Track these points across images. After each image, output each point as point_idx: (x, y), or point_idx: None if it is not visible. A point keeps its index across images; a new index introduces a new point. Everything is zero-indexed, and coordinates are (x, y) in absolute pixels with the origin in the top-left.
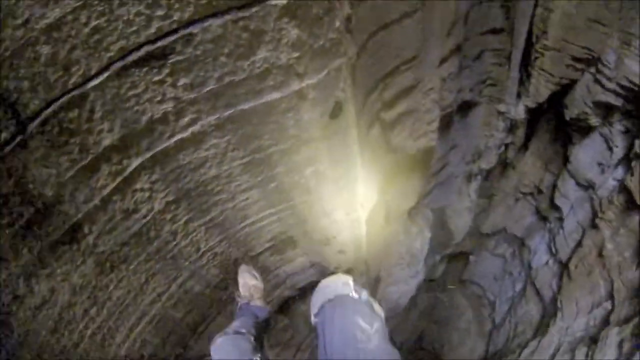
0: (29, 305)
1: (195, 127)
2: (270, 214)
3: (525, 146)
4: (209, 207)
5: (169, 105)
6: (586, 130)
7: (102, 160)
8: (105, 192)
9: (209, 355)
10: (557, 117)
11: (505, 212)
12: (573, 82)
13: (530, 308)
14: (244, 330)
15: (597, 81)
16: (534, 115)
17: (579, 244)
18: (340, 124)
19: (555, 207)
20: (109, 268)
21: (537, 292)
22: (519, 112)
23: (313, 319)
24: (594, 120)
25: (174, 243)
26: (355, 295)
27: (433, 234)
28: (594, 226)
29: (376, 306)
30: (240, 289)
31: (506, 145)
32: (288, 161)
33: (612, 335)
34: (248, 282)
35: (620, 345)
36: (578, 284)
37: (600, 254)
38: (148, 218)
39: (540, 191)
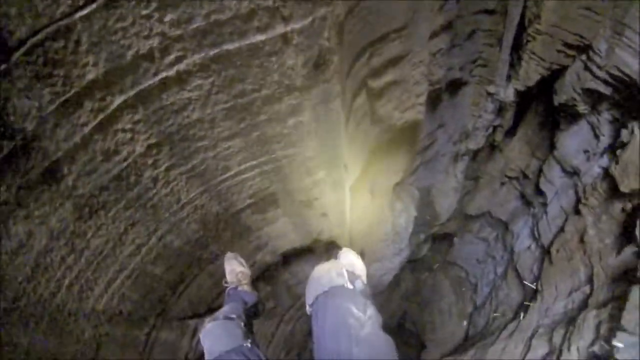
0: (5, 248)
1: (180, 66)
2: (252, 166)
3: (513, 131)
4: (191, 154)
5: (155, 41)
6: (574, 117)
7: (85, 96)
8: (87, 129)
9: (189, 316)
10: (545, 102)
11: (490, 195)
12: (563, 68)
13: (511, 291)
14: (234, 316)
15: (587, 68)
16: (523, 99)
17: (561, 230)
18: (325, 76)
19: (540, 193)
20: (88, 213)
21: (519, 276)
22: (508, 94)
23: (308, 309)
24: (582, 108)
25: (154, 191)
26: (350, 286)
27: (418, 213)
28: (577, 212)
29: (369, 291)
30: (228, 275)
31: (494, 128)
32: (271, 109)
33: (590, 318)
34: (235, 269)
35: (597, 327)
36: (558, 268)
37: (581, 240)
38: (129, 161)
39: (525, 176)
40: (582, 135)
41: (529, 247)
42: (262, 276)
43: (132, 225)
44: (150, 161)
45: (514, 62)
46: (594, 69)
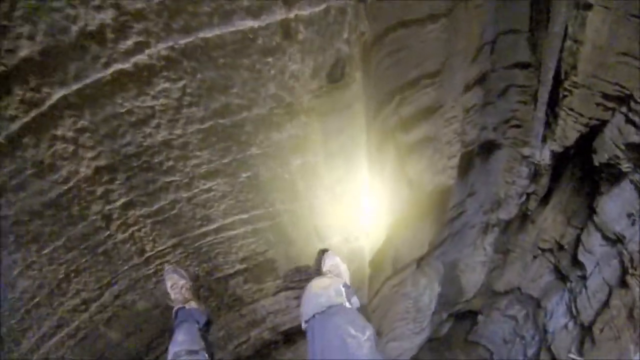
0: None
1: (141, 57)
2: (242, 220)
3: (546, 199)
4: (157, 192)
5: (107, 15)
6: (615, 178)
7: (16, 80)
8: (15, 127)
9: None
10: (582, 165)
11: (521, 270)
12: (603, 124)
13: None
14: (197, 348)
15: (629, 121)
16: (558, 162)
17: (605, 305)
18: (344, 96)
19: (577, 264)
20: (14, 243)
21: (554, 358)
22: (544, 156)
23: (303, 325)
24: (625, 166)
25: (107, 233)
26: (348, 305)
27: (442, 289)
28: (624, 284)
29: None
30: (171, 292)
31: (527, 195)
32: (266, 140)
33: None
34: (178, 283)
35: None
36: (604, 349)
37: (630, 315)
38: (70, 185)
39: (561, 247)
40: (625, 198)
41: (565, 326)
42: (256, 354)
43: (75, 273)
44: (99, 191)
45: (550, 121)
46: (637, 120)
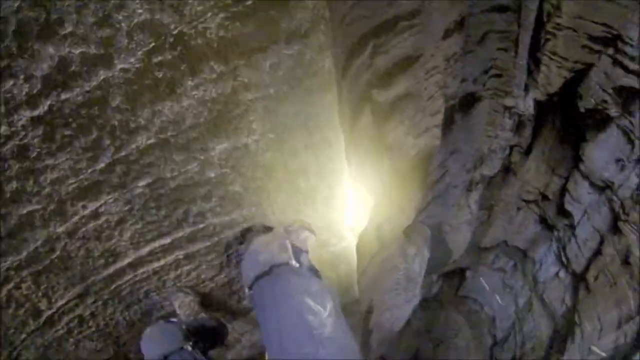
0: None
1: None
2: (164, 247)
3: (528, 150)
4: (14, 232)
5: None
6: (602, 123)
7: None
8: None
9: None
10: (564, 113)
11: (506, 223)
12: (588, 68)
13: (538, 324)
14: (174, 320)
15: (617, 63)
16: (541, 112)
17: (597, 253)
18: (304, 60)
19: (564, 214)
20: None
21: (546, 307)
22: (527, 105)
23: (246, 291)
24: (612, 111)
25: None
26: (295, 264)
27: (430, 254)
28: (616, 231)
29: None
30: (180, 312)
31: (511, 148)
32: (158, 115)
33: None
34: (185, 300)
35: None
36: (599, 297)
37: (625, 262)
38: None
39: (545, 197)
40: (613, 143)
41: (556, 275)
42: None
43: None
44: None
45: (532, 68)
46: (626, 61)
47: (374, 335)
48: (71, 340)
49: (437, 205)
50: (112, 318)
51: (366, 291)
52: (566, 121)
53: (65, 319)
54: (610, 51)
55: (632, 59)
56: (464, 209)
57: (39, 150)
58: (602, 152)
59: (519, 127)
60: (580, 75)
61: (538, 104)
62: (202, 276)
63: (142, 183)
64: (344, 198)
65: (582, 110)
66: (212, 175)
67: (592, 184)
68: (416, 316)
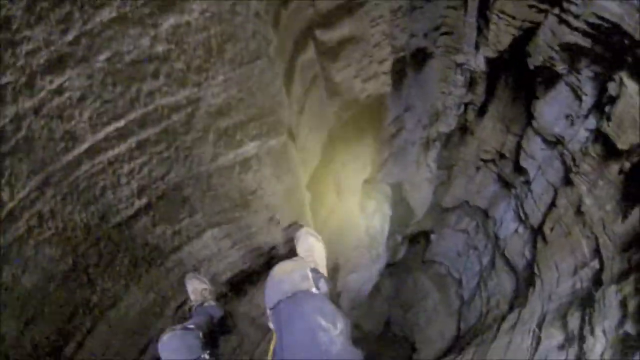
0: None
1: None
2: (118, 131)
3: (483, 109)
4: None
5: None
6: (551, 81)
7: None
8: None
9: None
10: (516, 72)
11: (465, 183)
12: (536, 27)
13: (502, 280)
14: (192, 326)
15: (563, 21)
16: (494, 70)
17: (552, 205)
18: None
19: (520, 171)
20: None
21: (508, 263)
22: (478, 63)
23: (268, 311)
24: (560, 68)
25: None
26: (315, 290)
27: (392, 212)
28: (568, 183)
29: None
30: (191, 295)
31: (466, 106)
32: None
33: (611, 294)
34: (197, 287)
35: (623, 304)
36: (556, 247)
37: (578, 211)
38: None
39: (502, 156)
40: (562, 100)
41: (516, 231)
42: None
43: None
44: None
45: (482, 27)
46: (571, 20)
47: (343, 296)
48: (31, 242)
49: (395, 163)
50: (70, 219)
51: (329, 244)
52: (518, 80)
53: (26, 215)
54: (556, 10)
55: (576, 17)
56: (423, 167)
57: (19, 21)
58: (552, 109)
59: (471, 84)
60: (528, 33)
61: (489, 61)
62: (154, 174)
63: (102, 57)
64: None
65: (531, 67)
66: (160, 50)
67: (545, 140)
68: (384, 283)
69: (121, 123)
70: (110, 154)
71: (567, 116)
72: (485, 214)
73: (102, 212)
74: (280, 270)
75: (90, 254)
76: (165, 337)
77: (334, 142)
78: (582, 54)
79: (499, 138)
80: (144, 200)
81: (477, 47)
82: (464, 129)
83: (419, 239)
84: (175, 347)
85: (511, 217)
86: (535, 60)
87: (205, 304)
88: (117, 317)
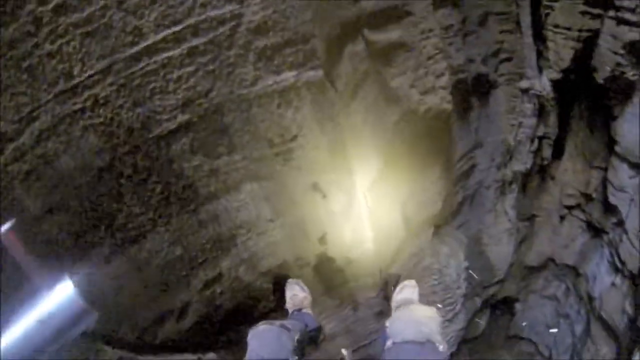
0: None
1: None
2: (175, 35)
3: (559, 147)
4: None
5: None
6: (625, 94)
7: None
8: None
9: None
10: (588, 95)
11: (550, 236)
12: (595, 35)
13: (599, 348)
14: (290, 327)
15: (620, 21)
16: (562, 96)
17: None
18: None
19: (610, 211)
20: None
21: (606, 326)
22: (544, 85)
23: (388, 342)
24: (631, 74)
25: (35, 41)
26: (442, 348)
27: (469, 267)
28: None
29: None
30: (289, 300)
31: (540, 141)
32: None
33: None
34: (298, 294)
35: None
36: None
37: None
38: None
39: (589, 198)
40: None
41: (612, 284)
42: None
43: None
44: None
45: (540, 48)
46: (628, 16)
47: None
48: (81, 123)
49: (471, 209)
50: (118, 114)
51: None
52: (592, 105)
53: (86, 93)
54: (611, 12)
55: (632, 10)
56: (502, 216)
57: None
58: (632, 126)
59: (541, 113)
60: (589, 44)
61: (555, 84)
62: (199, 87)
63: None
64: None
65: (600, 81)
66: None
67: (632, 165)
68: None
69: (178, 27)
70: (165, 55)
71: None
72: (576, 271)
73: (146, 117)
74: (422, 311)
75: (127, 161)
76: (260, 327)
77: (397, 162)
78: None
79: (582, 177)
80: (186, 117)
81: (540, 70)
82: (542, 172)
83: (502, 307)
84: (268, 341)
85: (606, 269)
86: (603, 72)
87: (303, 311)
88: (137, 258)
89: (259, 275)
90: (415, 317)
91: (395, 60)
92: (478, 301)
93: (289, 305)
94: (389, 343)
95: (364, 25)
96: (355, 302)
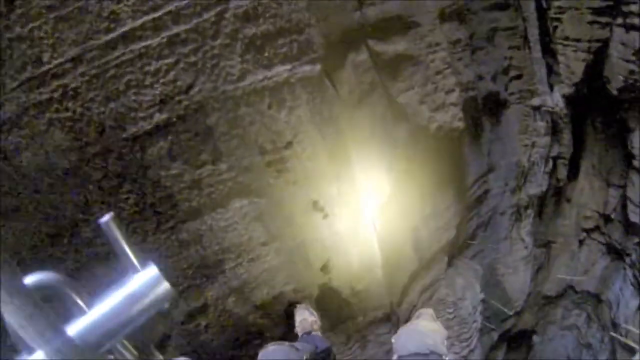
0: None
1: None
2: (153, 22)
3: (575, 167)
4: None
5: None
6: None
7: None
8: None
9: None
10: (603, 110)
11: (569, 261)
12: (605, 45)
13: None
14: (299, 347)
15: (629, 27)
16: (576, 112)
17: None
18: None
19: (632, 230)
20: None
21: (631, 351)
22: (556, 101)
23: (395, 357)
24: None
25: (5, 24)
26: (447, 359)
27: (485, 299)
28: None
29: None
30: (299, 325)
31: (554, 161)
32: None
33: None
34: (307, 319)
35: None
36: None
37: None
38: None
39: (608, 219)
40: None
41: (638, 309)
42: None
43: None
44: None
45: (550, 63)
46: (636, 21)
47: None
48: (47, 116)
49: (485, 236)
50: (88, 109)
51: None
52: (607, 120)
53: (54, 83)
54: (620, 20)
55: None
56: (517, 243)
57: None
58: None
59: (555, 130)
60: (600, 56)
61: (569, 100)
62: (179, 83)
63: None
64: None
65: (614, 93)
66: None
67: None
68: None
69: (158, 13)
70: (142, 44)
71: None
72: (597, 298)
73: (120, 115)
74: (426, 325)
75: (96, 164)
76: (270, 348)
77: (407, 182)
78: None
79: (599, 197)
80: (165, 115)
81: (551, 87)
82: (557, 194)
83: (519, 340)
84: (278, 358)
85: (630, 293)
86: (616, 83)
87: (313, 333)
88: (106, 280)
89: (252, 308)
90: (418, 329)
91: (402, 74)
92: (495, 335)
93: (299, 329)
94: (394, 358)
95: (368, 35)
96: (364, 339)
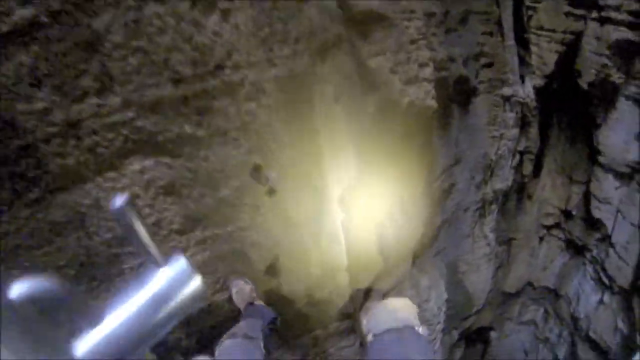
0: None
1: None
2: None
3: (539, 162)
4: None
5: None
6: (610, 100)
7: None
8: None
9: None
10: (571, 105)
11: (528, 259)
12: (578, 38)
13: None
14: (253, 335)
15: (604, 21)
16: (545, 106)
17: None
18: None
19: (593, 226)
20: None
21: (596, 345)
22: (527, 91)
23: (369, 336)
24: (617, 77)
25: None
26: (421, 330)
27: (448, 297)
28: None
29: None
30: (237, 296)
31: (521, 156)
32: None
33: None
34: (244, 288)
35: None
36: None
37: None
38: None
39: (568, 215)
40: (627, 118)
41: (601, 302)
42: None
43: None
44: None
45: (522, 53)
46: (612, 14)
47: None
48: None
49: (448, 234)
50: None
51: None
52: (574, 116)
53: None
54: (595, 13)
55: (617, 9)
56: (480, 240)
57: None
58: (617, 133)
59: (524, 124)
60: (573, 49)
61: (539, 92)
62: None
63: None
64: None
65: (584, 87)
66: None
67: (618, 175)
68: None
69: None
70: None
71: (637, 136)
72: (555, 294)
73: None
74: (395, 300)
75: None
76: (226, 343)
77: (373, 168)
78: (637, 52)
79: (561, 193)
80: (30, 12)
81: (522, 78)
82: (520, 190)
83: (477, 338)
84: (237, 356)
85: (591, 287)
86: (587, 76)
87: (256, 303)
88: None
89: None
90: (389, 306)
91: (374, 35)
92: (456, 334)
93: (238, 301)
94: (369, 337)
95: None
96: (324, 354)
